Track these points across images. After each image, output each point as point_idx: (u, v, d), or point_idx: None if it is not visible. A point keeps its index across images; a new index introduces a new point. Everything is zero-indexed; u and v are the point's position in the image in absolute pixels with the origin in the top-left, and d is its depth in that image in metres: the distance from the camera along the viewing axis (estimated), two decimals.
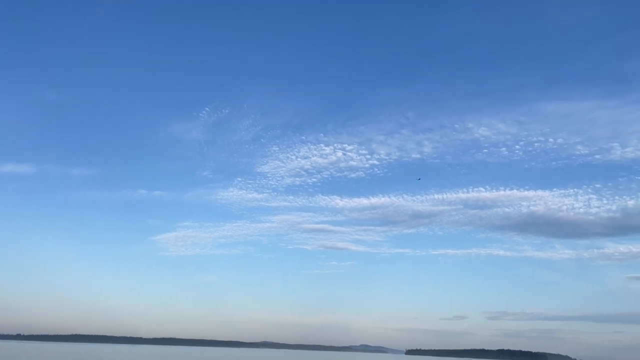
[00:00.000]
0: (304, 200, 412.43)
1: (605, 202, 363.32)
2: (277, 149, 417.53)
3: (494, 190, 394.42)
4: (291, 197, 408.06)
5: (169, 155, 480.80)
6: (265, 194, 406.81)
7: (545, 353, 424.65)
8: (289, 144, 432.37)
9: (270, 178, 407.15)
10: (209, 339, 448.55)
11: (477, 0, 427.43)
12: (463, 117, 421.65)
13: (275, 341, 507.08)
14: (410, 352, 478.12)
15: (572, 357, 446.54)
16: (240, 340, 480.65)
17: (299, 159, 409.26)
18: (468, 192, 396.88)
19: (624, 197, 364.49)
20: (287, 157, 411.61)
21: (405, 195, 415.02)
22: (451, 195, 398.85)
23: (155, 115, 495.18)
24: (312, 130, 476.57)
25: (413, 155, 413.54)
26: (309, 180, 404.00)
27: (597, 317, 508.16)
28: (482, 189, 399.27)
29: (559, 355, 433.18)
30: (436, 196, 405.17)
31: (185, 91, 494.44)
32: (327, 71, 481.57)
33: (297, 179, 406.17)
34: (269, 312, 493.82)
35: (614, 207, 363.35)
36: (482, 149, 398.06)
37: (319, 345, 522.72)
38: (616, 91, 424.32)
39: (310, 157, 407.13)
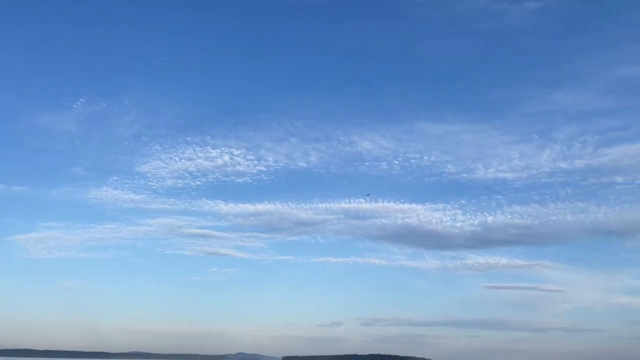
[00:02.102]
0: (186, 204, 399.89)
1: (469, 217, 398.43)
2: (160, 148, 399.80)
3: (374, 202, 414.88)
4: (172, 200, 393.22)
5: (33, 148, 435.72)
6: (143, 195, 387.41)
7: (411, 357, 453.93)
8: (172, 144, 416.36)
9: (150, 179, 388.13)
10: (71, 350, 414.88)
11: (371, 19, 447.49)
12: (348, 130, 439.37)
13: (145, 351, 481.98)
14: (286, 358, 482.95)
15: None
16: (106, 351, 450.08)
17: (183, 161, 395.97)
18: (350, 202, 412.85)
19: (485, 213, 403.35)
20: (170, 158, 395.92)
21: (290, 203, 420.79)
22: (334, 205, 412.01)
23: (18, 104, 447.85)
24: (198, 131, 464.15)
25: (300, 164, 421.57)
26: (193, 183, 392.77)
27: (457, 323, 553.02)
28: (362, 200, 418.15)
29: (422, 358, 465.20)
30: (320, 205, 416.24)
31: (56, 80, 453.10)
32: (218, 73, 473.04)
33: (180, 181, 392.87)
34: (141, 320, 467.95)
35: (475, 222, 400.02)
36: (364, 162, 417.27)
37: (194, 355, 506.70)
38: (482, 118, 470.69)
39: (195, 159, 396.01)
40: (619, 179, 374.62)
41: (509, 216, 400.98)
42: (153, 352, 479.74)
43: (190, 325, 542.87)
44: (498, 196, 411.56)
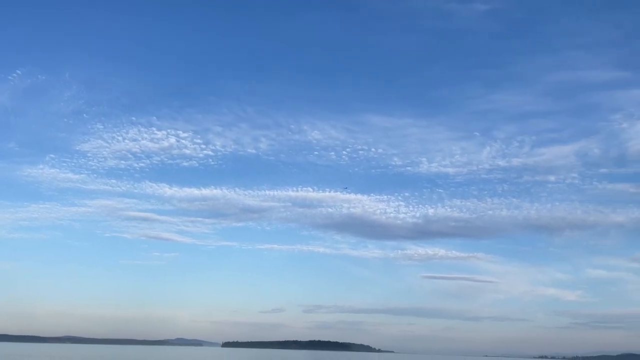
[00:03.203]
0: (128, 186, 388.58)
1: (411, 209, 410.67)
2: (102, 127, 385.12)
3: (321, 191, 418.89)
4: (113, 181, 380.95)
5: None
6: (82, 175, 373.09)
7: (350, 343, 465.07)
8: (116, 124, 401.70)
9: (90, 158, 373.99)
10: (0, 333, 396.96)
11: (325, 10, 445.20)
12: (299, 118, 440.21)
13: (81, 336, 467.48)
14: (226, 344, 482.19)
15: (373, 347, 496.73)
16: (39, 335, 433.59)
17: (126, 141, 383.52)
18: (297, 190, 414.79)
19: (426, 206, 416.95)
20: (113, 138, 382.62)
21: (237, 189, 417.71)
22: (282, 193, 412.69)
23: None
24: (144, 112, 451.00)
25: (249, 150, 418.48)
26: (136, 165, 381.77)
27: (395, 311, 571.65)
28: (310, 188, 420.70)
29: (361, 345, 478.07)
30: (267, 192, 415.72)
31: None
32: (167, 52, 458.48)
33: (123, 162, 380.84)
34: (77, 304, 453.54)
35: (417, 214, 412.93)
36: (313, 151, 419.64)
37: (131, 340, 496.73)
38: (428, 113, 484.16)
39: (139, 140, 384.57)
40: (552, 178, 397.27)
41: (448, 209, 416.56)
42: (89, 337, 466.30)
43: (128, 310, 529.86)
44: (440, 190, 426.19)
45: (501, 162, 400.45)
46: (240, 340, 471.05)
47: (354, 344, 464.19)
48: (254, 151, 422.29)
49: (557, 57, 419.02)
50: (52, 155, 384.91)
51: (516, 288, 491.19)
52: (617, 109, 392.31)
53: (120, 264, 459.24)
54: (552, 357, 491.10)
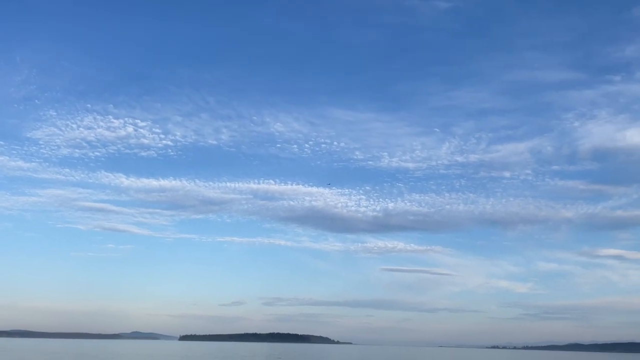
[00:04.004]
0: (82, 175, 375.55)
1: (372, 202, 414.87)
2: (55, 114, 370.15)
3: (283, 184, 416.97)
4: (67, 170, 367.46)
5: None
6: (34, 164, 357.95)
7: (309, 335, 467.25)
8: (70, 111, 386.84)
9: (42, 146, 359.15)
10: None
11: (291, 1, 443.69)
12: (261, 110, 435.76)
13: (30, 329, 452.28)
14: (184, 337, 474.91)
15: (332, 338, 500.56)
16: None
17: (81, 129, 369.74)
18: (259, 183, 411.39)
19: (387, 200, 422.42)
20: (67, 125, 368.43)
21: (197, 180, 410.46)
22: (243, 185, 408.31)
23: None
24: (100, 99, 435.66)
25: (210, 141, 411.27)
26: (91, 154, 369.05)
27: (354, 303, 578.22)
28: (272, 181, 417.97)
29: (320, 337, 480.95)
30: (228, 184, 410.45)
31: None
32: (125, 38, 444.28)
33: (77, 150, 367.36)
34: (26, 297, 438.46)
35: (378, 208, 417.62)
36: (276, 143, 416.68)
37: (84, 334, 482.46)
38: (390, 108, 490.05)
39: (95, 129, 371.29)
40: (507, 174, 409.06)
41: (408, 203, 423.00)
42: (39, 330, 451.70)
43: (81, 303, 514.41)
44: (400, 184, 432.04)
45: (459, 158, 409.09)
46: (198, 334, 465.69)
47: (313, 336, 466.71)
48: (215, 142, 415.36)
49: (514, 57, 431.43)
50: (1, 143, 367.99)
51: (471, 280, 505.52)
52: (569, 109, 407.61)
53: (73, 256, 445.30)
54: (503, 347, 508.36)
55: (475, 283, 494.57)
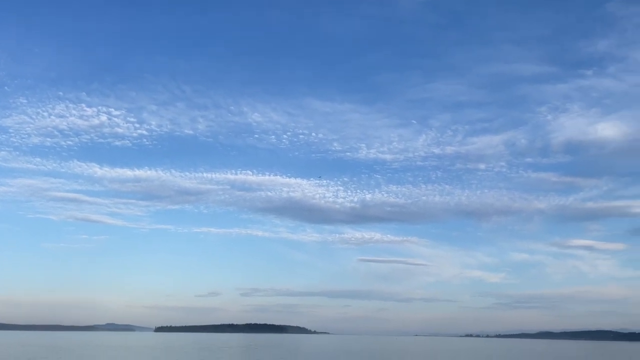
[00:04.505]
0: (54, 165, 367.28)
1: (349, 194, 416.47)
2: (26, 101, 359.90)
3: (260, 175, 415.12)
4: (38, 160, 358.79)
5: None
6: (3, 152, 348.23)
7: (286, 325, 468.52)
8: (41, 98, 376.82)
9: (12, 134, 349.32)
10: None
11: None
12: (239, 100, 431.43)
13: (1, 322, 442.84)
14: (159, 329, 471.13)
15: (309, 329, 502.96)
16: None
17: (52, 117, 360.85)
18: (236, 173, 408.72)
19: (364, 191, 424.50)
20: (38, 113, 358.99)
21: (173, 171, 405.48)
22: (220, 175, 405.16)
23: None
24: (73, 87, 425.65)
25: (186, 131, 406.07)
26: (64, 143, 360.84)
27: (331, 293, 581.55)
28: (249, 172, 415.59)
29: (297, 327, 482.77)
30: (205, 175, 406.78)
31: None
32: (99, 25, 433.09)
33: (49, 139, 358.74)
34: None
35: (355, 199, 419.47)
36: (253, 133, 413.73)
37: (57, 326, 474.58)
38: (368, 99, 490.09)
39: (67, 117, 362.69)
40: (482, 166, 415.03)
41: (385, 195, 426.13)
42: (10, 322, 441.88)
43: (53, 295, 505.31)
44: (377, 175, 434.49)
45: (436, 150, 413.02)
46: (174, 325, 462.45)
47: (289, 326, 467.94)
48: (191, 132, 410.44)
49: (491, 50, 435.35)
50: None
51: (446, 271, 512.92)
52: (543, 102, 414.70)
53: (45, 247, 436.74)
54: (477, 336, 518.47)
55: (450, 273, 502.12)
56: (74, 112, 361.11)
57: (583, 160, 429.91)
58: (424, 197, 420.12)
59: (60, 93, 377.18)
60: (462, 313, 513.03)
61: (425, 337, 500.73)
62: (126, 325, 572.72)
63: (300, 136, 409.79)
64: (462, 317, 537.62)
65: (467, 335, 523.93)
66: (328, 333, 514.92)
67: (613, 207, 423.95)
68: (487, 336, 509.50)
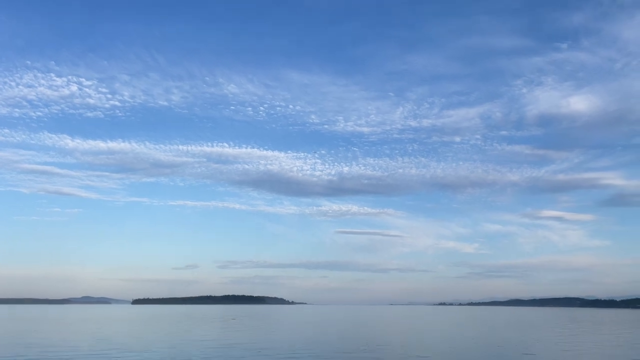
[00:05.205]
0: (23, 136, 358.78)
1: (327, 166, 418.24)
2: None
3: (237, 147, 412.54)
4: (6, 131, 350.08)
5: None
6: None
7: (265, 297, 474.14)
8: (8, 67, 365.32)
9: None
10: None
11: None
12: (214, 70, 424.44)
13: None
14: (136, 301, 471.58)
15: (286, 299, 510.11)
16: None
17: (20, 87, 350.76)
18: (212, 146, 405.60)
19: (342, 164, 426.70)
20: (5, 83, 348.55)
21: (147, 143, 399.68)
22: (195, 148, 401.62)
23: None
24: (40, 55, 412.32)
25: (160, 102, 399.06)
26: (33, 114, 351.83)
27: (309, 265, 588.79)
28: (225, 144, 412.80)
29: (275, 298, 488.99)
30: (180, 147, 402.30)
31: None
32: None
33: (17, 110, 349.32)
34: None
35: (333, 172, 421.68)
36: (229, 105, 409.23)
37: (30, 299, 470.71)
38: (345, 71, 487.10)
39: (36, 87, 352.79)
40: (457, 138, 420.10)
41: (362, 167, 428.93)
42: None
43: (26, 268, 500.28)
44: (355, 148, 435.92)
45: (412, 123, 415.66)
46: (151, 297, 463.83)
47: (268, 297, 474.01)
48: (165, 103, 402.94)
49: (467, 21, 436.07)
50: None
51: (421, 242, 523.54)
52: (518, 75, 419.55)
53: (16, 220, 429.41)
54: (449, 304, 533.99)
55: (425, 244, 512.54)
56: (42, 81, 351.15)
57: (555, 133, 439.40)
58: (400, 170, 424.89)
59: (28, 62, 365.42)
60: (436, 282, 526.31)
61: (400, 306, 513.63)
62: (102, 298, 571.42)
63: (278, 108, 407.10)
64: (436, 286, 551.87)
65: (440, 304, 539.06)
66: (306, 303, 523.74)
67: (583, 179, 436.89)
68: (460, 304, 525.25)
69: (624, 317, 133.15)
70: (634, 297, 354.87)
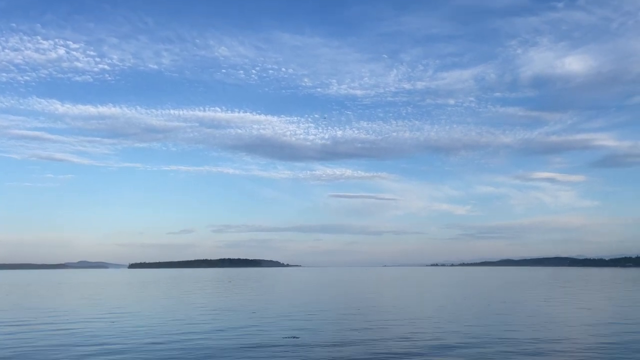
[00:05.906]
0: (12, 101, 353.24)
1: (320, 130, 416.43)
2: None
3: (229, 111, 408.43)
4: None
5: None
6: None
7: (260, 260, 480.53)
8: None
9: None
10: None
11: None
12: (204, 32, 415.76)
13: None
14: (133, 265, 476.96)
15: (281, 262, 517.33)
16: None
17: (7, 51, 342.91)
18: (204, 110, 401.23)
19: (335, 128, 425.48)
20: None
21: (139, 107, 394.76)
22: (187, 112, 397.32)
23: None
24: (26, 17, 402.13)
25: (150, 65, 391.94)
26: (20, 78, 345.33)
27: (303, 228, 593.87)
28: (218, 108, 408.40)
29: (270, 261, 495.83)
30: (172, 112, 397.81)
31: None
32: None
33: (4, 74, 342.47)
34: None
35: (326, 136, 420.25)
36: (221, 68, 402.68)
37: (28, 264, 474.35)
38: (338, 33, 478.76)
39: (22, 50, 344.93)
40: (451, 101, 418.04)
41: (356, 131, 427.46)
42: None
43: (22, 233, 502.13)
44: (348, 112, 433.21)
45: (406, 85, 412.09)
46: (148, 261, 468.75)
47: (263, 260, 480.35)
48: (155, 67, 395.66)
49: None
50: None
51: (414, 204, 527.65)
52: (513, 36, 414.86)
53: (9, 186, 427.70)
54: (442, 265, 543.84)
55: (418, 206, 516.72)
56: (29, 45, 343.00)
57: (549, 95, 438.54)
58: (394, 133, 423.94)
59: (13, 24, 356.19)
60: (429, 244, 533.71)
61: (393, 267, 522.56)
62: (99, 262, 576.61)
63: (270, 71, 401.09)
64: (429, 248, 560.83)
65: (433, 265, 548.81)
66: (300, 266, 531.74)
67: (575, 140, 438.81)
68: (452, 265, 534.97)
69: (611, 275, 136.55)
70: (622, 257, 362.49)
